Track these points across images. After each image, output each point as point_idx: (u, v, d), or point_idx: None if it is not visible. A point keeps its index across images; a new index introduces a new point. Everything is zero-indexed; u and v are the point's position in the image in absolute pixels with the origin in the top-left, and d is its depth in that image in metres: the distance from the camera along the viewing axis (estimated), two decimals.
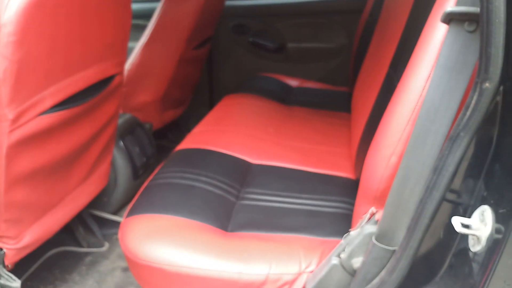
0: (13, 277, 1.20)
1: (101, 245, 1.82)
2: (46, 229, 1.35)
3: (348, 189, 1.40)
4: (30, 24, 0.99)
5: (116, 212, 1.95)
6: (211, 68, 2.74)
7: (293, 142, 1.70)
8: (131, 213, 1.20)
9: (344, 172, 1.50)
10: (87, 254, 1.79)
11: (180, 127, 2.70)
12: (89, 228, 1.84)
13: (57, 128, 1.21)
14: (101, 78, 1.34)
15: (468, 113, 0.71)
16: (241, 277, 1.03)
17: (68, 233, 1.81)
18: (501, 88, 0.69)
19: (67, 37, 1.13)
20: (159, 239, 1.10)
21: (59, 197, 1.39)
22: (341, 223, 1.22)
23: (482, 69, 0.67)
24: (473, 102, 0.70)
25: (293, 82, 2.46)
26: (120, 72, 1.47)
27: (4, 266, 1.23)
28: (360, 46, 2.18)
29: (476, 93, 0.69)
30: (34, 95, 1.09)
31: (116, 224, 1.90)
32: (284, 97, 2.25)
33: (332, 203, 1.32)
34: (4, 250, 1.22)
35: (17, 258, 1.27)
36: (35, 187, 1.24)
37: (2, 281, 1.15)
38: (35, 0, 0.99)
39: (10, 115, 1.04)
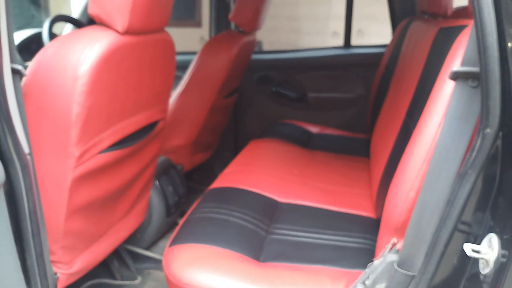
0: None
1: (134, 278, 1.93)
2: (93, 258, 1.48)
3: (369, 227, 1.51)
4: (99, 76, 1.18)
5: (148, 248, 2.07)
6: (236, 115, 2.93)
7: (316, 183, 1.83)
8: (174, 242, 1.33)
9: (365, 212, 1.62)
10: (121, 286, 1.90)
11: (205, 169, 2.86)
12: (123, 261, 1.97)
13: (111, 165, 1.38)
14: (148, 122, 1.52)
15: (474, 154, 0.85)
16: None
17: (103, 266, 1.94)
18: (501, 133, 0.83)
19: (125, 87, 1.32)
20: (200, 266, 1.22)
21: (105, 229, 1.53)
22: (364, 257, 1.33)
23: (483, 118, 0.82)
24: (478, 144, 0.84)
25: (313, 129, 2.62)
26: (164, 118, 1.65)
27: None
28: (376, 96, 2.35)
29: (480, 137, 0.83)
30: (96, 135, 1.26)
31: (148, 259, 2.02)
32: (306, 142, 2.40)
33: (355, 239, 1.43)
34: (58, 274, 1.35)
35: (67, 283, 1.40)
36: (88, 218, 1.39)
37: None
38: (105, 57, 1.18)
39: (77, 153, 1.21)
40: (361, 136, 2.56)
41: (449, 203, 0.89)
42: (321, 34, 6.28)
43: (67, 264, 1.37)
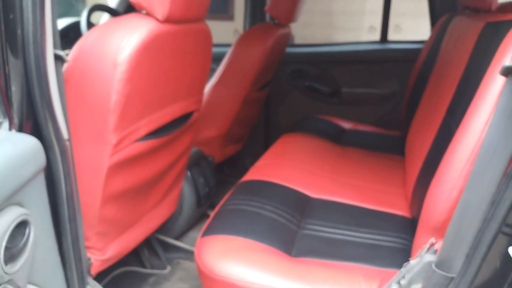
0: (98, 285, 1.34)
1: (164, 268, 1.95)
2: (125, 245, 1.50)
3: (404, 226, 1.48)
4: (138, 64, 1.18)
5: (179, 238, 2.09)
6: (268, 109, 2.91)
7: (348, 179, 1.80)
8: (206, 233, 1.33)
9: (400, 210, 1.58)
10: (150, 275, 1.93)
11: (236, 162, 2.86)
12: (153, 250, 1.99)
13: (146, 154, 1.39)
14: (184, 112, 1.52)
15: None
16: None
17: (134, 254, 1.96)
18: None
19: (163, 76, 1.32)
20: (232, 258, 1.22)
21: (137, 217, 1.55)
22: (399, 256, 1.30)
23: None
24: None
25: (346, 125, 2.58)
26: (198, 109, 1.65)
27: (90, 275, 1.37)
28: (412, 93, 2.29)
29: None
30: (133, 124, 1.27)
31: (178, 249, 2.04)
32: (338, 138, 2.37)
33: (389, 238, 1.40)
34: (92, 260, 1.38)
35: (100, 268, 1.42)
36: (122, 206, 1.40)
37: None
38: (144, 44, 1.19)
39: (114, 140, 1.22)
40: (395, 134, 2.51)
41: (494, 203, 0.86)
42: (355, 30, 6.19)
43: (100, 250, 1.39)
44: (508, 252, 0.84)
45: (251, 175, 1.73)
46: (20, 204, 0.81)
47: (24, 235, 0.81)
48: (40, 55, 0.99)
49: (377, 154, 2.19)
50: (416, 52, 2.48)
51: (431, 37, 2.28)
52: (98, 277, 1.64)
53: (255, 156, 2.11)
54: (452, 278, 0.96)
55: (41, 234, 0.89)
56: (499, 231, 0.87)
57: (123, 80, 1.15)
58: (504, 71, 0.85)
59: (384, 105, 2.80)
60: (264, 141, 2.97)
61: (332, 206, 1.59)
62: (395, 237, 1.40)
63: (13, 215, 0.78)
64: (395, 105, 2.75)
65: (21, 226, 0.81)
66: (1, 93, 0.94)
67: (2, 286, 0.74)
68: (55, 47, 1.05)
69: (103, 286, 1.81)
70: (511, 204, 0.84)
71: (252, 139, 2.89)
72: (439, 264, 0.98)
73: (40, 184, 0.92)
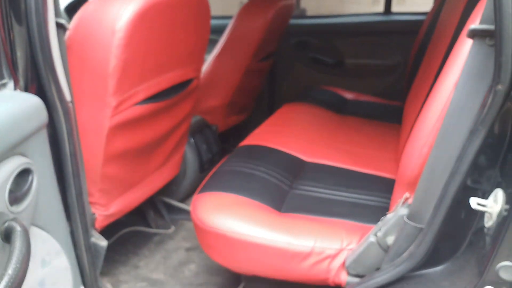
0: (102, 237, 1.45)
1: (168, 228, 2.06)
2: (128, 203, 1.61)
3: (391, 187, 1.54)
4: (135, 31, 1.26)
5: (183, 200, 2.19)
6: (273, 80, 2.97)
7: (344, 145, 1.87)
8: (202, 190, 1.42)
9: (389, 173, 1.65)
10: (155, 234, 2.04)
11: (241, 133, 2.93)
12: (159, 212, 2.10)
13: (146, 118, 1.47)
14: (182, 80, 1.60)
15: (485, 110, 0.87)
16: (289, 247, 1.22)
17: (140, 216, 2.08)
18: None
19: (159, 43, 1.39)
20: (224, 212, 1.31)
21: (140, 178, 1.65)
22: (382, 214, 1.36)
23: (496, 75, 0.83)
24: (489, 101, 0.86)
25: (348, 95, 2.63)
26: (197, 77, 1.73)
27: (95, 228, 1.48)
28: (414, 64, 2.32)
29: (491, 94, 0.85)
30: (132, 88, 1.35)
31: (182, 211, 2.15)
32: (339, 108, 2.42)
33: (375, 198, 1.48)
34: (96, 215, 1.48)
35: (104, 223, 1.53)
36: (123, 166, 1.50)
37: (93, 240, 1.39)
38: (140, 13, 1.26)
39: (113, 102, 1.31)
40: (396, 104, 2.55)
41: (459, 158, 0.92)
42: (359, 2, 6.10)
43: (104, 206, 1.49)
44: (470, 203, 0.91)
45: (248, 141, 1.81)
46: (23, 155, 0.90)
47: (27, 182, 0.91)
48: (42, 23, 1.06)
49: (375, 122, 2.24)
50: (419, 23, 2.49)
51: (432, 8, 2.29)
52: (106, 236, 1.76)
53: None
54: (421, 229, 1.03)
55: (44, 183, 0.99)
56: (463, 184, 0.93)
57: (120, 46, 1.23)
58: (470, 33, 0.90)
59: (387, 76, 2.82)
60: (269, 112, 3.03)
61: (324, 169, 1.66)
62: (380, 197, 1.47)
63: (16, 162, 0.87)
64: (398, 77, 2.78)
65: (25, 174, 0.91)
66: (6, 58, 1.03)
67: (7, 223, 0.83)
68: (56, 16, 1.12)
69: (111, 244, 1.94)
70: (474, 158, 0.91)
71: (257, 110, 2.95)
72: (411, 216, 1.05)
73: (43, 139, 1.00)
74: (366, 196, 1.48)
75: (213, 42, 2.33)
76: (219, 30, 2.42)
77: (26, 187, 0.90)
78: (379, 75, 2.83)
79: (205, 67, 2.31)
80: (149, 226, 2.07)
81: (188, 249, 1.95)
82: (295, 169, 1.64)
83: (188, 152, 2.09)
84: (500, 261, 0.86)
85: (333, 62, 2.86)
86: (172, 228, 2.07)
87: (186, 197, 2.20)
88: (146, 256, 1.91)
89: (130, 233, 2.02)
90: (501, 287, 0.88)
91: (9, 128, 0.87)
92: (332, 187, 1.52)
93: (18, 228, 0.84)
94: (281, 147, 1.76)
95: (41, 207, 0.98)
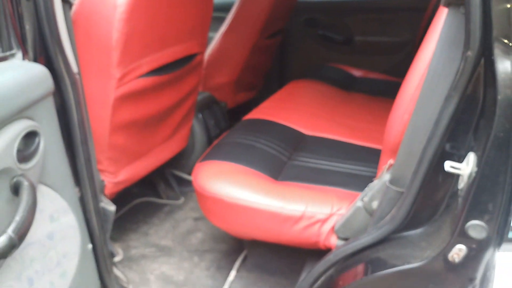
0: (111, 202, 1.54)
1: (178, 199, 2.16)
2: (136, 171, 1.70)
3: None
4: (136, 6, 1.33)
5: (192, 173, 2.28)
6: (282, 58, 3.00)
7: (346, 120, 1.92)
8: (204, 159, 1.51)
9: None
10: (165, 205, 2.14)
11: (250, 110, 2.99)
12: (169, 184, 2.20)
13: (150, 90, 1.55)
14: (186, 54, 1.67)
15: (457, 76, 0.91)
16: (282, 212, 1.29)
17: (151, 187, 2.18)
18: (483, 58, 0.88)
19: (161, 18, 1.46)
20: (222, 179, 1.39)
21: (147, 148, 1.74)
22: None
23: (466, 42, 0.87)
24: (461, 68, 0.90)
25: (357, 73, 2.65)
26: (201, 52, 1.79)
27: (104, 194, 1.58)
28: (421, 40, 2.32)
29: (463, 61, 0.89)
30: (135, 61, 1.43)
31: (191, 183, 2.23)
32: (347, 85, 2.45)
33: (370, 169, 1.53)
34: (105, 182, 1.58)
35: (114, 190, 1.62)
36: (130, 136, 1.59)
37: (102, 205, 1.48)
38: None
39: (117, 74, 1.39)
40: None
41: (435, 123, 0.97)
42: None
43: (112, 174, 1.59)
44: (445, 167, 0.96)
45: (251, 115, 1.88)
46: (31, 118, 0.99)
47: (34, 143, 1.00)
48: None
49: (381, 99, 2.27)
50: (427, 0, 2.49)
51: None
52: (119, 206, 1.86)
53: None
54: (402, 192, 1.08)
55: (51, 146, 1.07)
56: (439, 148, 0.98)
57: (122, 20, 1.30)
58: (445, 2, 0.94)
59: (397, 53, 2.83)
60: (278, 89, 3.08)
61: (324, 142, 1.72)
62: (375, 168, 1.52)
63: (24, 124, 0.96)
64: (407, 54, 2.78)
65: (33, 136, 1.00)
66: (15, 30, 1.11)
67: (15, 178, 0.93)
68: None
69: (123, 214, 2.05)
70: (448, 123, 0.95)
71: (267, 88, 3.00)
72: (393, 181, 1.11)
73: (49, 106, 1.09)
74: (362, 167, 1.53)
75: (221, 20, 2.38)
76: (226, 8, 2.47)
77: (33, 147, 0.99)
78: (388, 53, 2.84)
79: (213, 44, 2.37)
80: (159, 197, 2.17)
81: (195, 219, 2.05)
82: (295, 141, 1.70)
83: (196, 127, 2.17)
84: (469, 220, 0.91)
85: (342, 40, 2.88)
86: (181, 199, 2.17)
87: None
88: (156, 224, 2.02)
89: (142, 204, 2.13)
90: (471, 245, 0.93)
91: (17, 93, 0.95)
92: (329, 159, 1.58)
93: (25, 183, 0.93)
94: (283, 121, 1.82)
95: (49, 168, 1.07)
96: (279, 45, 2.82)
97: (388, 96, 2.33)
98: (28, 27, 1.13)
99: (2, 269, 0.94)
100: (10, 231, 0.87)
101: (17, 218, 0.89)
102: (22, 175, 0.94)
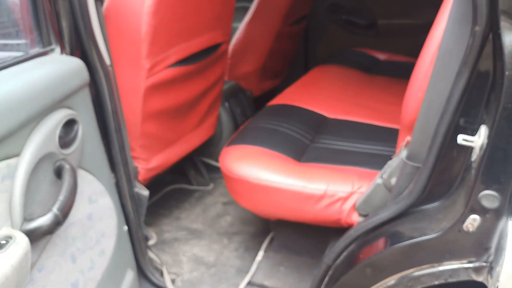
0: (144, 187, 1.64)
1: (207, 185, 2.25)
2: (168, 158, 1.79)
3: None
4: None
5: None
6: (307, 44, 3.04)
7: (368, 102, 1.95)
8: (230, 144, 1.58)
9: None
10: (196, 191, 2.24)
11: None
12: (199, 171, 2.29)
13: (178, 80, 1.64)
14: (211, 44, 1.74)
15: (467, 52, 0.94)
16: (305, 190, 1.35)
17: (182, 175, 2.28)
18: (491, 33, 0.91)
19: (186, 9, 1.54)
20: (247, 161, 1.46)
21: (177, 136, 1.83)
22: None
23: (473, 17, 0.90)
24: (470, 43, 0.93)
25: (381, 56, 2.66)
26: (226, 41, 1.86)
27: (138, 180, 1.68)
28: None
29: (471, 37, 0.92)
30: (163, 52, 1.51)
31: (220, 170, 2.31)
32: (371, 69, 2.47)
33: (390, 148, 1.56)
34: (138, 168, 1.68)
35: (147, 176, 1.72)
36: (161, 124, 1.68)
37: (137, 190, 1.58)
38: None
39: (147, 65, 1.48)
40: None
41: (447, 99, 1.00)
42: None
43: (145, 161, 1.68)
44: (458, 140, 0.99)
45: (276, 100, 1.93)
46: (69, 108, 1.09)
47: (73, 130, 1.10)
48: None
49: (405, 81, 2.27)
50: None
51: None
52: (152, 193, 1.95)
53: None
54: (419, 167, 1.12)
55: (88, 133, 1.17)
56: (452, 122, 1.01)
57: (150, 14, 1.38)
58: None
59: (422, 35, 2.80)
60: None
61: (346, 125, 1.76)
62: (395, 147, 1.55)
63: (64, 113, 1.05)
64: None
65: (72, 124, 1.09)
66: (53, 27, 1.21)
67: (58, 162, 1.02)
68: None
69: (156, 200, 2.15)
70: (459, 98, 0.98)
71: (292, 74, 3.04)
72: (409, 157, 1.15)
73: (86, 96, 1.19)
74: (382, 147, 1.57)
75: (245, 10, 2.44)
76: None
77: (72, 134, 1.09)
78: (413, 35, 2.80)
79: (238, 34, 2.44)
80: (190, 183, 2.27)
81: (224, 203, 2.14)
82: (318, 124, 1.75)
83: (224, 115, 2.25)
84: (482, 190, 0.94)
85: (366, 24, 2.88)
86: (211, 186, 2.26)
87: None
88: (187, 209, 2.11)
89: (174, 190, 2.23)
90: (485, 215, 0.97)
91: (57, 84, 1.05)
92: (350, 140, 1.63)
93: (67, 166, 1.03)
94: (306, 105, 1.87)
95: (86, 153, 1.17)
96: (303, 31, 2.85)
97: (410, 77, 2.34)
98: (64, 24, 1.23)
99: (48, 246, 1.05)
100: (55, 209, 0.97)
101: (61, 197, 0.99)
102: (64, 159, 1.03)
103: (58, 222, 0.97)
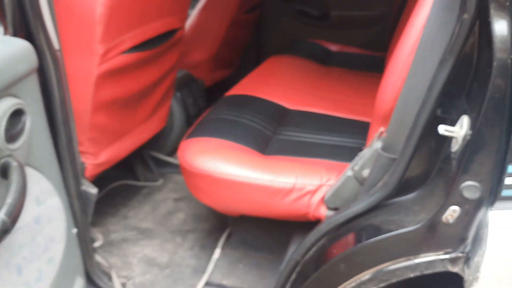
0: (92, 185, 1.50)
1: (156, 180, 2.12)
2: (117, 152, 1.66)
3: None
4: None
5: (170, 154, 2.24)
6: (259, 34, 2.97)
7: (327, 93, 1.92)
8: (189, 136, 1.48)
9: (370, 118, 1.71)
10: (144, 187, 2.10)
11: (228, 88, 2.96)
12: (147, 166, 2.15)
13: (132, 67, 1.51)
14: (167, 29, 1.63)
15: (452, 40, 0.92)
16: (272, 185, 1.29)
17: (128, 170, 2.13)
18: (478, 21, 0.89)
19: None
20: (210, 155, 1.37)
21: (128, 128, 1.70)
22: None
23: (461, 4, 0.88)
24: (456, 30, 0.90)
25: (334, 47, 2.66)
26: (182, 27, 1.75)
27: (85, 177, 1.53)
28: (398, 13, 2.34)
29: (458, 24, 0.90)
30: (118, 36, 1.38)
31: (170, 164, 2.20)
32: (324, 60, 2.46)
33: (355, 140, 1.55)
34: (86, 164, 1.53)
35: (94, 172, 1.58)
36: (111, 115, 1.55)
37: (84, 188, 1.44)
38: None
39: (101, 50, 1.34)
40: (381, 54, 2.58)
41: (429, 88, 0.97)
42: None
43: (93, 155, 1.54)
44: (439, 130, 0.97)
45: (233, 91, 1.86)
46: (16, 96, 0.95)
47: (21, 122, 0.96)
48: None
49: (359, 72, 2.29)
50: None
51: None
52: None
53: None
54: (395, 159, 1.10)
55: (36, 125, 1.03)
56: (432, 113, 0.99)
57: None
58: None
59: (373, 27, 2.84)
60: (255, 67, 3.05)
61: (307, 116, 1.72)
62: (360, 139, 1.54)
63: (10, 102, 0.91)
64: (383, 27, 2.80)
65: (18, 114, 0.95)
66: None
67: (4, 159, 0.88)
68: None
69: (101, 197, 1.99)
70: (442, 88, 0.96)
71: (244, 65, 2.97)
72: (385, 148, 1.12)
73: (34, 82, 1.04)
74: (347, 139, 1.55)
75: None
76: None
77: (20, 126, 0.95)
78: (364, 26, 2.85)
79: (190, 21, 2.32)
80: (137, 179, 2.12)
81: (176, 200, 2.02)
82: (279, 116, 1.70)
83: (175, 106, 2.14)
84: (464, 181, 0.93)
85: (319, 14, 2.87)
86: (160, 181, 2.13)
87: (173, 151, 2.25)
88: (135, 207, 1.98)
89: (120, 187, 2.07)
90: (465, 206, 0.96)
91: (1, 69, 0.90)
92: (314, 132, 1.59)
93: (14, 163, 0.89)
94: (266, 96, 1.81)
95: (34, 149, 1.03)
96: (256, 21, 2.79)
97: (366, 69, 2.37)
98: (7, 1, 1.07)
99: None
100: (2, 214, 0.83)
101: (9, 200, 0.85)
102: (10, 155, 0.90)
103: (6, 230, 0.84)
